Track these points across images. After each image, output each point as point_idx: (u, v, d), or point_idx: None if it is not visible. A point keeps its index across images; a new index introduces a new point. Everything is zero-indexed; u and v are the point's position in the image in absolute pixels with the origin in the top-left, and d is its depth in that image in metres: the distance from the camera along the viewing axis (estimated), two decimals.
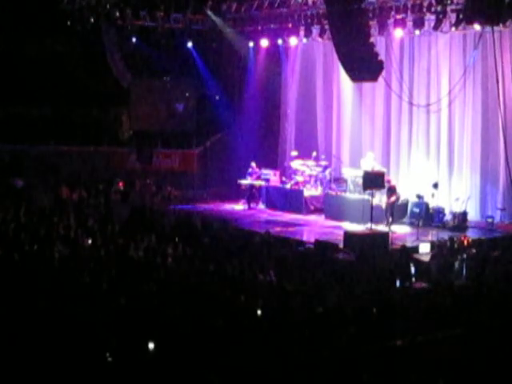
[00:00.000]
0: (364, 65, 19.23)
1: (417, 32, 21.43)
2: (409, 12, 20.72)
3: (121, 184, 24.95)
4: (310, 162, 23.99)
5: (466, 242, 16.95)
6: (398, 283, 13.30)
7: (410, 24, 21.13)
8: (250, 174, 24.15)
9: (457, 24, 20.09)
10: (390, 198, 20.68)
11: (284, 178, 24.49)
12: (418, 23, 20.78)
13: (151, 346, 8.28)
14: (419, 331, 9.42)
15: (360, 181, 20.51)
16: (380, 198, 20.68)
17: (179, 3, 24.53)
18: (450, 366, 8.56)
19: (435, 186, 20.78)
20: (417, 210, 21.37)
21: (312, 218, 22.64)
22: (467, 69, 21.30)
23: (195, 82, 27.15)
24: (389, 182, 21.01)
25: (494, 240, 18.61)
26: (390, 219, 20.44)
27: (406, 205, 21.90)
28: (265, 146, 26.46)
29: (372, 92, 23.86)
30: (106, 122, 27.25)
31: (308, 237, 19.59)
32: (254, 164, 24.25)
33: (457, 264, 14.74)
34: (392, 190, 20.86)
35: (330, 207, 22.43)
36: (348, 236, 18.32)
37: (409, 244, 18.27)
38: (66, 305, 10.12)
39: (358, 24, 18.82)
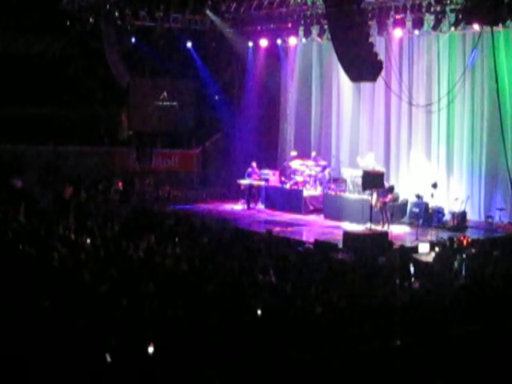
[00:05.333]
0: (363, 65, 19.23)
1: (416, 32, 21.45)
2: (408, 12, 20.75)
3: (120, 184, 24.96)
4: (310, 162, 24.00)
5: (465, 242, 16.95)
6: (397, 283, 13.30)
7: (409, 24, 21.14)
8: (250, 174, 24.14)
9: (456, 24, 20.10)
10: (383, 198, 20.59)
11: (283, 178, 24.48)
12: (418, 23, 20.80)
13: (151, 349, 8.29)
14: (419, 331, 9.44)
15: (359, 181, 20.51)
16: (373, 198, 20.57)
17: (178, 3, 24.53)
18: (449, 366, 8.58)
19: (434, 185, 20.80)
20: (416, 210, 21.39)
21: (311, 217, 22.65)
22: (466, 69, 21.31)
23: (194, 82, 27.16)
24: None
25: (494, 240, 18.62)
26: (386, 219, 20.41)
27: (405, 205, 21.92)
28: (264, 146, 26.46)
29: (371, 92, 23.86)
30: (106, 122, 27.26)
31: (307, 237, 19.60)
32: (254, 164, 24.25)
33: (456, 264, 14.75)
34: (387, 190, 20.84)
35: (330, 207, 22.44)
36: (347, 236, 18.34)
37: (408, 244, 18.30)
38: (65, 305, 10.13)
39: (357, 24, 18.82)
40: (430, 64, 22.55)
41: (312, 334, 9.12)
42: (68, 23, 23.95)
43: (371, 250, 16.68)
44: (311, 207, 23.24)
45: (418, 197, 21.55)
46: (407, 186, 22.69)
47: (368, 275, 13.45)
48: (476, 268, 14.40)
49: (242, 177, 24.28)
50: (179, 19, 25.03)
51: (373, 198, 20.12)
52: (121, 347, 8.46)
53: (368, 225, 19.34)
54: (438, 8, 20.11)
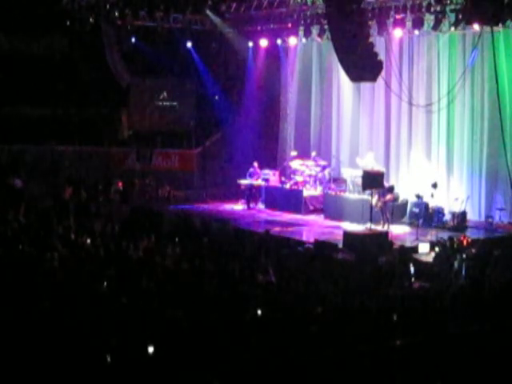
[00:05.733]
0: (363, 65, 19.23)
1: (416, 32, 21.45)
2: (408, 12, 20.74)
3: (120, 184, 24.95)
4: (310, 162, 23.99)
5: (465, 242, 16.96)
6: (397, 283, 13.31)
7: (409, 24, 21.13)
8: (252, 174, 24.13)
9: (456, 24, 20.10)
10: (384, 198, 20.59)
11: (283, 178, 24.47)
12: (418, 23, 20.78)
13: (151, 349, 8.28)
14: (419, 331, 9.44)
15: (359, 181, 20.51)
16: (373, 198, 20.57)
17: (179, 3, 24.53)
18: (449, 366, 8.58)
19: (434, 185, 20.81)
20: (416, 210, 21.38)
21: (311, 217, 22.63)
22: (466, 69, 21.31)
23: (194, 82, 27.17)
24: None
25: (494, 240, 18.63)
26: (387, 219, 20.41)
27: (405, 205, 21.91)
28: (264, 146, 26.47)
29: (371, 92, 23.86)
30: (106, 122, 27.25)
31: (307, 237, 19.60)
32: (256, 164, 24.23)
33: (456, 264, 14.75)
34: (387, 190, 20.86)
35: (330, 207, 22.43)
36: (347, 236, 18.34)
37: (408, 244, 18.30)
38: (65, 305, 10.13)
39: (357, 24, 18.82)
40: (430, 64, 22.54)
41: (312, 334, 9.12)
42: (68, 23, 23.94)
43: (371, 249, 16.68)
44: (311, 207, 23.23)
45: (418, 197, 21.54)
46: (407, 185, 22.69)
47: (368, 275, 13.45)
48: (476, 268, 14.41)
49: (242, 177, 24.27)
50: (179, 19, 25.02)
51: (373, 198, 20.12)
52: (121, 347, 8.45)
53: (368, 225, 19.34)
54: (438, 8, 20.10)
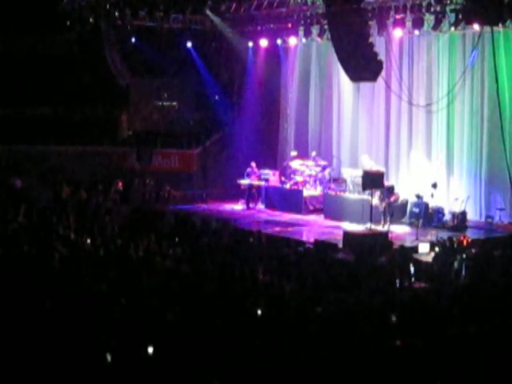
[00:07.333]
0: (363, 65, 19.25)
1: (416, 32, 21.45)
2: (408, 12, 20.74)
3: (120, 184, 24.95)
4: (310, 162, 23.99)
5: (465, 242, 16.97)
6: (397, 283, 13.32)
7: (409, 24, 21.14)
8: (249, 174, 24.13)
9: (456, 24, 20.10)
10: (389, 198, 20.66)
11: (283, 178, 24.46)
12: (418, 23, 20.79)
13: (150, 350, 8.28)
14: (419, 331, 9.45)
15: (359, 181, 20.52)
16: (376, 199, 20.59)
17: (179, 3, 24.53)
18: (448, 366, 8.58)
19: (434, 185, 20.82)
20: (416, 210, 21.38)
21: (311, 217, 22.64)
22: (466, 69, 21.32)
23: (194, 82, 27.17)
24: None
25: (494, 240, 18.63)
26: (388, 219, 20.44)
27: (405, 205, 21.91)
28: (264, 146, 26.45)
29: (371, 92, 23.86)
30: (106, 122, 27.26)
31: (307, 237, 19.61)
32: (253, 164, 24.23)
33: (456, 264, 14.75)
34: (390, 190, 20.89)
35: (330, 207, 22.44)
36: (347, 236, 18.34)
37: (408, 244, 18.30)
38: (65, 305, 10.13)
39: (357, 24, 18.83)
40: (430, 64, 22.55)
41: (312, 334, 9.12)
42: (68, 23, 23.95)
43: (371, 250, 16.68)
44: (311, 207, 23.23)
45: (418, 197, 21.54)
46: (407, 185, 22.69)
47: (368, 275, 13.45)
48: (476, 268, 14.41)
49: (242, 177, 24.27)
50: (179, 19, 25.02)
51: (374, 198, 20.13)
52: (121, 347, 8.46)
53: (368, 225, 19.35)
54: (438, 8, 20.10)
